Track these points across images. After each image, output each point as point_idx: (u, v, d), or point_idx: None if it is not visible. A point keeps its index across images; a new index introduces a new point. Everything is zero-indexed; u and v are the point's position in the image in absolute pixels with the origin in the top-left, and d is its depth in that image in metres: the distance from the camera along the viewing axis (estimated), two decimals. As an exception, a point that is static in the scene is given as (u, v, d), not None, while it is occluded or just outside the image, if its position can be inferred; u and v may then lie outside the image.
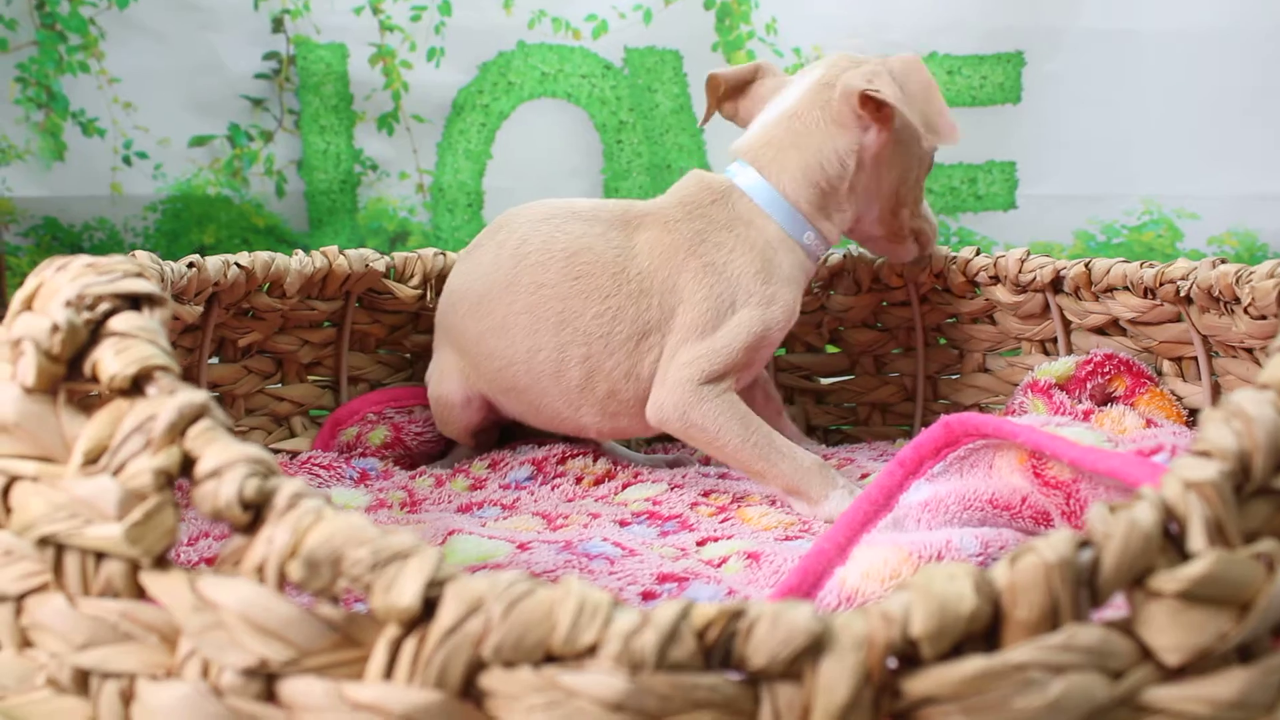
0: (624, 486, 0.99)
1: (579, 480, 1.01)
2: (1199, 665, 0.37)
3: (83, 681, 0.42)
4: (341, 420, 1.10)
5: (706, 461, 1.09)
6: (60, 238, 1.61)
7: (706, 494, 0.97)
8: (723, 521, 0.90)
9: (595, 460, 1.04)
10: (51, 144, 1.60)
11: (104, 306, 0.47)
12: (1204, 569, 0.37)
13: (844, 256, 1.20)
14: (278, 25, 1.64)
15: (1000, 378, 1.17)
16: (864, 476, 1.02)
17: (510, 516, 0.93)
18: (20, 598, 0.44)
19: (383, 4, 1.64)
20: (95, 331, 0.46)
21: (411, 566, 0.37)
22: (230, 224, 1.66)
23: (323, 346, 1.16)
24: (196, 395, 0.42)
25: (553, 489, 1.00)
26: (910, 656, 0.36)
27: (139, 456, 0.42)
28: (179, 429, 0.42)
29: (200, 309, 0.96)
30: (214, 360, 1.04)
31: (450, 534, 0.83)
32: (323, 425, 1.12)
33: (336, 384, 1.17)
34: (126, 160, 1.63)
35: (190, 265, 0.88)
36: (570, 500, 0.97)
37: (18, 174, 1.59)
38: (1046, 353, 1.13)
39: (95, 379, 0.45)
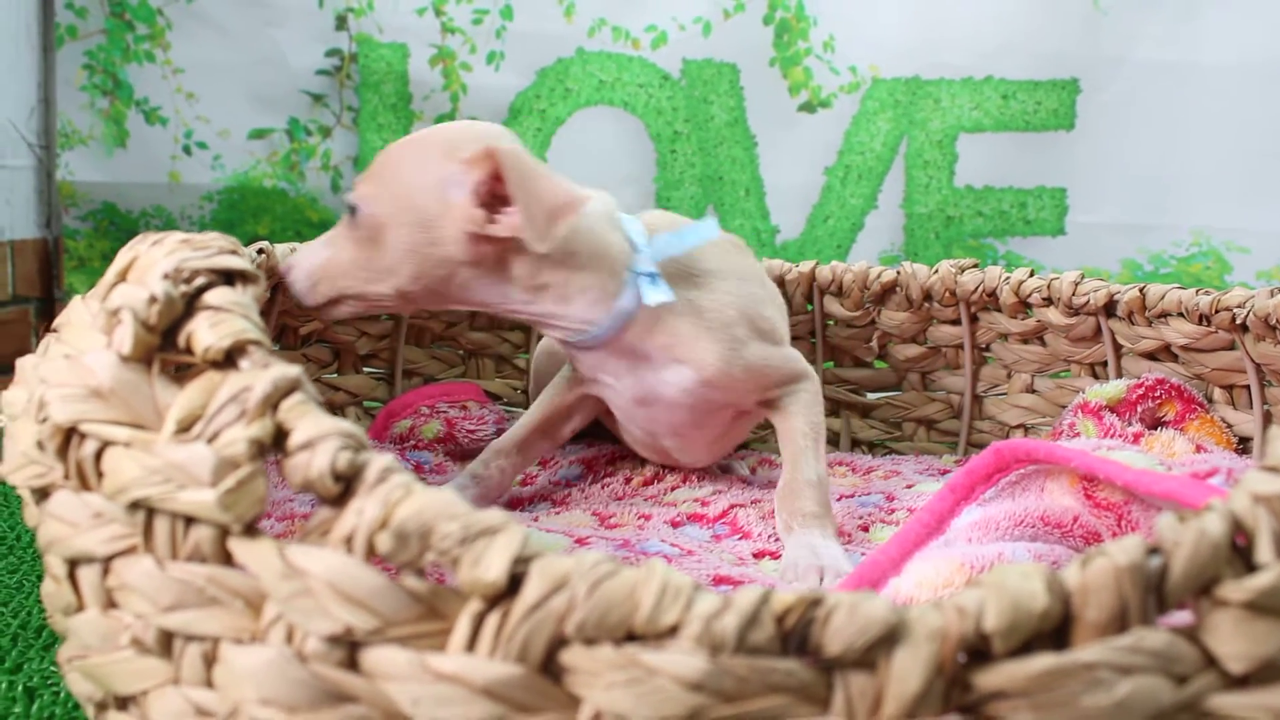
0: (672, 489, 1.00)
1: (628, 480, 1.02)
2: (1262, 675, 0.38)
3: (167, 643, 0.43)
4: (395, 412, 1.12)
5: (753, 470, 1.11)
6: (118, 223, 1.64)
7: (754, 501, 0.97)
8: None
9: (644, 462, 1.05)
10: (114, 131, 1.63)
11: (200, 281, 0.48)
12: (1271, 580, 0.37)
13: (897, 272, 1.20)
14: (341, 23, 1.66)
15: (1048, 399, 1.18)
16: (909, 487, 1.03)
17: (561, 513, 0.94)
18: (108, 559, 0.45)
19: (445, 6, 1.66)
20: (190, 304, 0.48)
21: (500, 542, 0.38)
22: (285, 216, 1.68)
23: (380, 339, 1.17)
24: (290, 369, 0.44)
25: (603, 487, 1.01)
26: (980, 651, 0.37)
27: (233, 426, 0.43)
28: (273, 401, 0.43)
29: (267, 295, 0.97)
30: (274, 347, 1.06)
31: (503, 526, 0.84)
32: (376, 416, 1.14)
33: (392, 376, 1.19)
34: (186, 150, 1.65)
35: (260, 251, 0.90)
36: (619, 499, 0.99)
37: (80, 159, 1.62)
38: (1096, 376, 1.13)
39: (189, 350, 0.47)
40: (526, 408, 1.19)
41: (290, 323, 1.06)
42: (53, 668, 0.68)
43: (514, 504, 0.96)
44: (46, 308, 1.62)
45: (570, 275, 0.83)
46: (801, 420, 0.90)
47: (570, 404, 0.98)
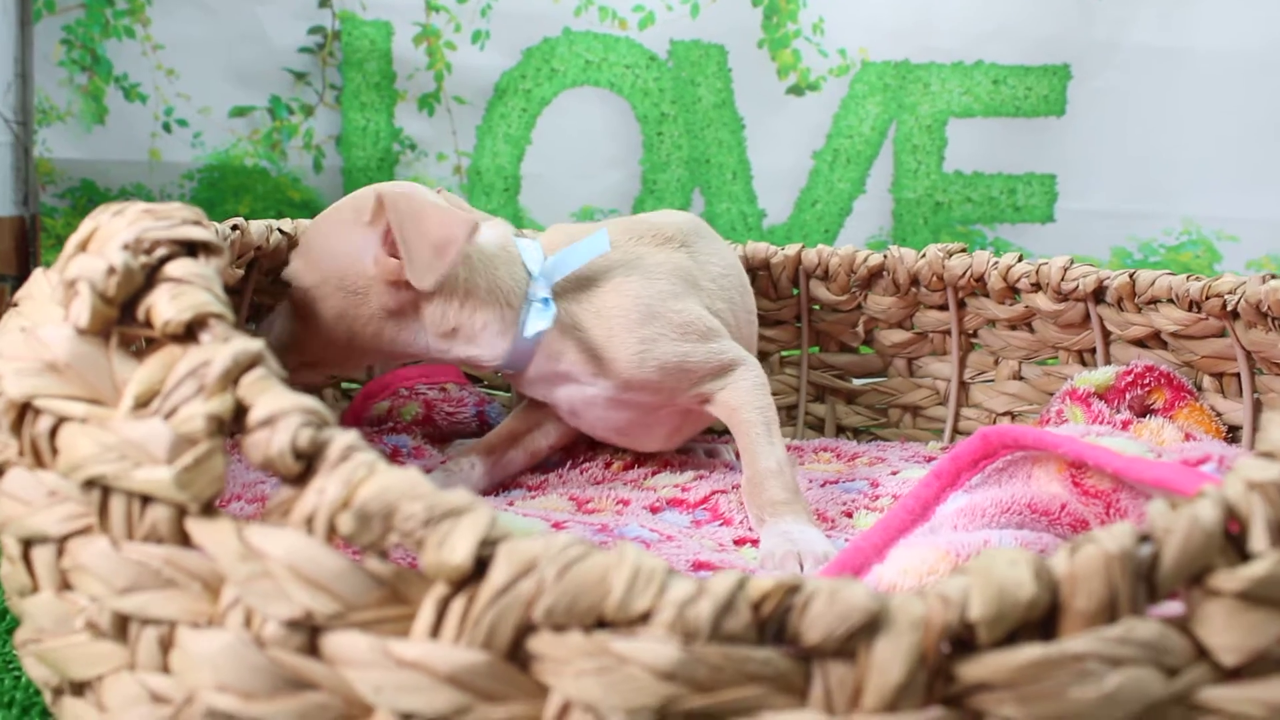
0: (653, 473, 0.99)
1: (608, 465, 1.01)
2: (1255, 667, 0.37)
3: (122, 626, 0.42)
4: (373, 394, 1.10)
5: (738, 456, 1.09)
6: (96, 200, 1.61)
7: (735, 486, 0.96)
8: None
9: (624, 448, 1.04)
10: (93, 107, 1.60)
11: (161, 252, 0.46)
12: (1265, 570, 0.36)
13: (884, 256, 1.19)
14: (324, 0, 1.64)
15: (1035, 386, 1.16)
16: (894, 473, 1.02)
17: (538, 497, 0.93)
18: (62, 539, 0.43)
19: (430, -16, 1.64)
20: (151, 276, 0.46)
21: (465, 524, 0.37)
22: (266, 196, 1.66)
23: (358, 320, 1.15)
24: (251, 344, 0.42)
25: (581, 472, 1.00)
26: (965, 641, 0.35)
27: (191, 401, 0.41)
28: (233, 376, 0.41)
29: (241, 273, 0.95)
30: (250, 326, 1.04)
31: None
32: (354, 398, 1.12)
33: (369, 357, 1.17)
34: (166, 127, 1.63)
35: (234, 228, 0.88)
36: (598, 484, 0.97)
37: (58, 135, 1.59)
38: (1084, 363, 1.12)
39: (148, 323, 0.45)
40: (507, 390, 1.18)
41: (267, 301, 1.04)
42: (14, 651, 0.66)
43: (490, 489, 0.94)
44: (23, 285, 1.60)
45: (472, 314, 0.86)
46: (746, 411, 0.90)
47: (539, 417, 1.00)
